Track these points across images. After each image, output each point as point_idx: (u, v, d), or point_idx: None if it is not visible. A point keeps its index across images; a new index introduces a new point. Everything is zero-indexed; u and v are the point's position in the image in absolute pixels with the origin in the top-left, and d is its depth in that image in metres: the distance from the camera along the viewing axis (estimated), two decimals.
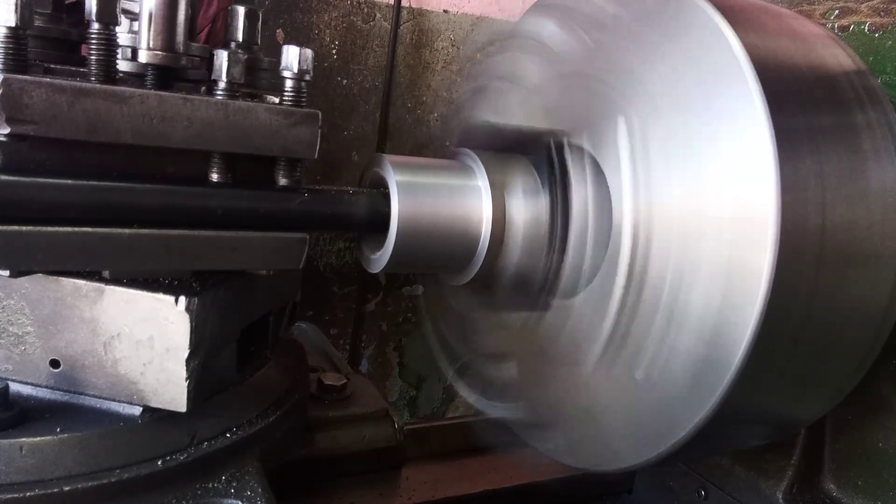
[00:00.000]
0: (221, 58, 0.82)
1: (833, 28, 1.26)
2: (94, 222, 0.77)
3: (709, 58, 0.85)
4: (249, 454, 0.95)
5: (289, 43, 0.86)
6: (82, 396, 0.86)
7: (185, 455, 0.87)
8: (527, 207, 1.01)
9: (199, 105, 0.80)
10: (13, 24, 0.71)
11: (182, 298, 0.82)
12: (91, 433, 0.82)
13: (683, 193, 0.87)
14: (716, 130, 0.84)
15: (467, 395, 1.22)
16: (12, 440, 0.78)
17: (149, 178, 0.81)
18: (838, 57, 0.99)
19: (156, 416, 0.87)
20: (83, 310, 0.83)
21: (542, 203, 1.02)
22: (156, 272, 0.85)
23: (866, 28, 1.21)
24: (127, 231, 0.79)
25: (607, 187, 0.96)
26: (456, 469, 1.46)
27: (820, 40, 1.00)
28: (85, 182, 0.77)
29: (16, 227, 0.73)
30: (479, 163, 1.02)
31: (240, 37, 0.98)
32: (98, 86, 0.75)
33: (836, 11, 1.28)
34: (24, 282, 0.82)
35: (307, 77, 0.87)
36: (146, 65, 0.86)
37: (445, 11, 2.95)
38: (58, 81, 0.73)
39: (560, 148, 1.04)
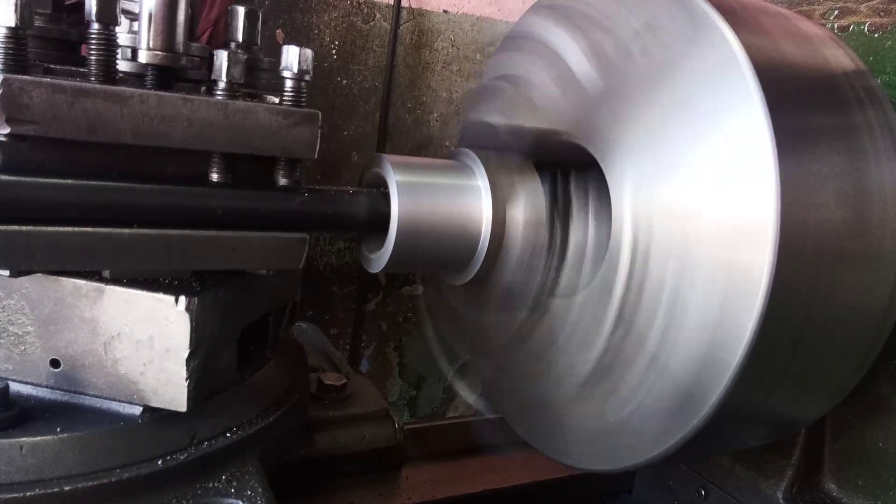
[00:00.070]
0: (221, 58, 0.82)
1: (833, 28, 1.26)
2: (94, 222, 0.77)
3: (709, 58, 0.85)
4: (249, 454, 0.95)
5: (289, 43, 0.86)
6: (82, 396, 0.86)
7: (185, 455, 0.87)
8: (527, 208, 1.01)
9: (199, 105, 0.80)
10: (13, 24, 0.71)
11: (182, 298, 0.82)
12: (91, 433, 0.82)
13: (684, 193, 0.87)
14: (716, 130, 0.84)
15: (467, 394, 1.23)
16: (12, 440, 0.78)
17: (149, 178, 0.81)
18: (838, 57, 0.99)
19: (156, 415, 0.87)
20: (83, 310, 0.83)
21: (542, 203, 1.02)
22: (156, 272, 0.85)
23: (866, 28, 1.21)
24: (127, 231, 0.79)
25: (608, 187, 0.96)
26: (456, 469, 1.46)
27: (820, 40, 1.00)
28: (85, 182, 0.77)
29: (16, 227, 0.73)
30: (479, 163, 1.02)
31: (240, 37, 0.98)
32: (98, 86, 0.75)
33: (836, 11, 1.28)
34: (24, 282, 0.82)
35: (307, 77, 0.87)
36: (146, 65, 0.86)
37: (445, 11, 2.95)
38: (58, 81, 0.73)
39: (560, 148, 1.04)
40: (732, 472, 1.34)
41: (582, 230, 1.05)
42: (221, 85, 0.83)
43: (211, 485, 0.89)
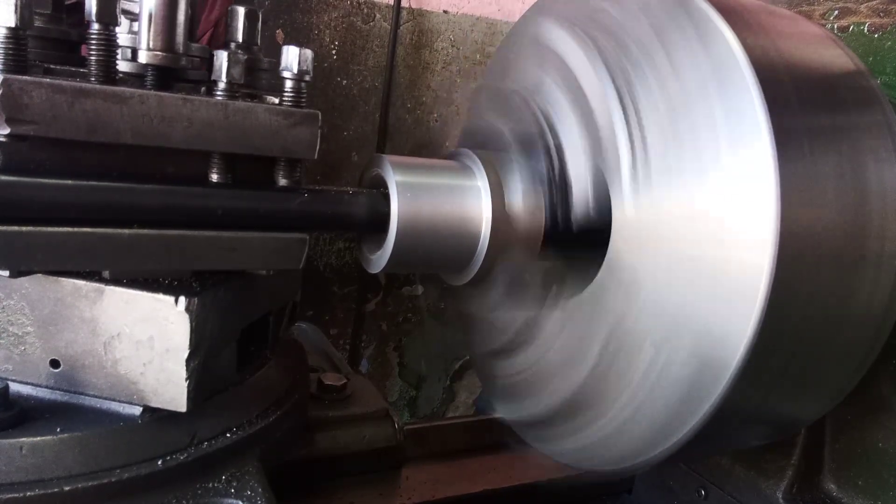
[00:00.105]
0: (221, 58, 0.82)
1: (832, 28, 1.27)
2: (94, 222, 0.77)
3: (708, 58, 0.85)
4: (249, 454, 0.95)
5: (289, 43, 0.86)
6: (82, 396, 0.86)
7: (185, 455, 0.87)
8: (527, 207, 1.01)
9: (199, 105, 0.80)
10: (13, 25, 0.71)
11: (182, 298, 0.82)
12: (91, 433, 0.82)
13: (683, 194, 0.87)
14: (715, 131, 0.84)
15: (467, 394, 1.23)
16: (12, 440, 0.78)
17: (149, 179, 0.81)
18: (838, 57, 0.99)
19: (156, 416, 0.87)
20: (83, 310, 0.83)
21: (542, 203, 1.02)
22: (156, 272, 0.85)
23: (866, 28, 1.21)
24: (127, 231, 0.79)
25: (607, 187, 0.96)
26: (456, 469, 1.46)
27: (819, 41, 1.00)
28: (85, 182, 0.77)
29: (16, 227, 0.73)
30: (479, 163, 1.02)
31: (240, 37, 0.98)
32: (98, 86, 0.76)
33: (836, 12, 1.28)
34: (24, 282, 0.82)
35: (307, 77, 0.87)
36: (146, 65, 0.86)
37: (445, 12, 2.95)
38: (58, 82, 0.73)
39: (560, 148, 1.04)
40: (732, 472, 1.34)
41: (582, 229, 1.04)
42: (221, 85, 0.83)
43: (211, 485, 0.89)
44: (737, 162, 0.82)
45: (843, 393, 1.03)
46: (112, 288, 0.82)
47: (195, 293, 0.83)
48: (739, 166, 0.81)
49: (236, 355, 0.98)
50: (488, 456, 1.50)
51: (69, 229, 0.76)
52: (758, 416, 0.96)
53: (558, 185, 1.02)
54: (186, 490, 0.87)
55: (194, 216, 0.83)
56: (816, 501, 1.25)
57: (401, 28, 2.84)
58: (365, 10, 2.78)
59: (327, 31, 2.74)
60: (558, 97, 1.06)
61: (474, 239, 1.00)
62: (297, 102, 0.87)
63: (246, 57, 0.86)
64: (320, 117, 0.87)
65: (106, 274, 0.84)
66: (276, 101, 0.89)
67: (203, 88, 0.97)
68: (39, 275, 0.81)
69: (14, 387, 0.84)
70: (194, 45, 0.93)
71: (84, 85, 0.74)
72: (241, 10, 0.98)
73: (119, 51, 0.85)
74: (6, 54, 0.72)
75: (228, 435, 0.93)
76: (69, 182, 0.76)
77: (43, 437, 0.80)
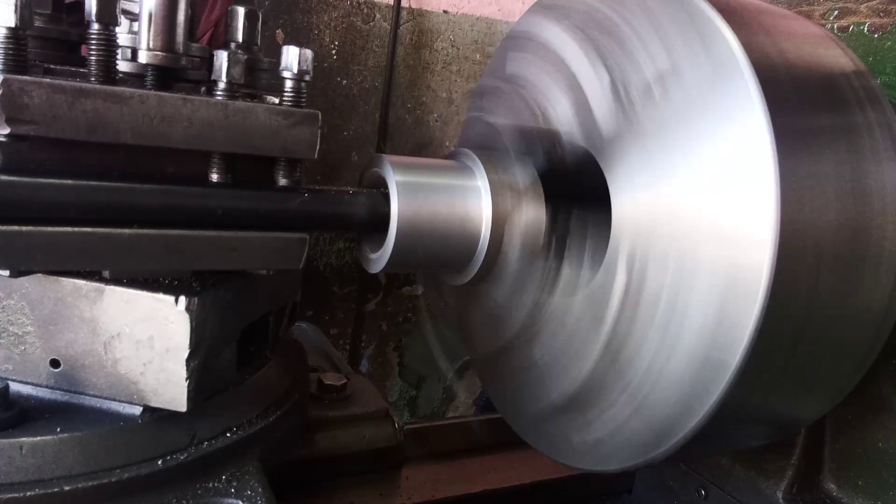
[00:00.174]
0: (221, 58, 0.82)
1: (832, 28, 1.27)
2: (94, 222, 0.77)
3: (708, 58, 0.85)
4: (249, 454, 0.95)
5: (289, 43, 0.86)
6: (82, 396, 0.86)
7: (185, 455, 0.87)
8: (526, 208, 1.01)
9: (199, 105, 0.80)
10: (13, 25, 0.71)
11: (182, 298, 0.82)
12: (91, 433, 0.82)
13: (683, 193, 0.87)
14: (715, 131, 0.84)
15: (466, 394, 1.23)
16: (12, 440, 0.78)
17: (149, 178, 0.81)
18: (838, 57, 0.99)
19: (156, 415, 0.87)
20: (83, 310, 0.83)
21: (543, 203, 1.02)
22: (156, 272, 0.85)
23: (866, 28, 1.21)
24: (127, 231, 0.79)
25: (607, 186, 0.96)
26: (456, 469, 1.46)
27: (819, 41, 1.00)
28: (85, 182, 0.77)
29: (16, 227, 0.73)
30: (479, 163, 1.02)
31: (240, 37, 0.98)
32: (98, 86, 0.76)
33: (836, 12, 1.28)
34: (24, 282, 0.82)
35: (307, 77, 0.87)
36: (146, 65, 0.87)
37: (445, 12, 2.95)
38: (58, 81, 0.73)
39: (560, 148, 1.04)
40: (732, 472, 1.34)
41: (582, 229, 1.05)
42: (221, 85, 0.83)
43: (211, 485, 0.89)
44: (737, 162, 0.82)
45: (843, 393, 1.03)
46: (112, 288, 0.82)
47: (195, 293, 0.83)
48: (739, 166, 0.81)
49: (236, 355, 0.98)
50: (488, 456, 1.50)
51: (69, 229, 0.76)
52: (758, 416, 0.96)
53: (558, 185, 1.02)
54: (186, 490, 0.87)
55: (194, 216, 0.83)
56: (816, 501, 1.25)
57: (401, 28, 2.85)
58: (365, 10, 2.78)
59: (327, 31, 2.74)
60: (558, 97, 1.06)
61: (474, 239, 1.00)
62: (297, 102, 0.87)
63: (246, 57, 0.86)
64: (320, 117, 0.87)
65: (106, 274, 0.84)
66: (276, 101, 0.89)
67: (203, 88, 0.97)
68: (39, 275, 0.81)
69: (14, 387, 0.84)
70: (194, 45, 0.93)
71: (84, 85, 0.74)
72: (241, 10, 0.98)
73: (119, 51, 0.85)
74: (6, 54, 0.72)
75: (228, 435, 0.93)
76: (69, 182, 0.76)
77: (43, 437, 0.80)
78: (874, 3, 1.24)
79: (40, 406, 0.85)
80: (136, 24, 0.93)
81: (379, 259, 0.99)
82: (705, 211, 0.84)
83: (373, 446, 1.27)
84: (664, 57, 0.90)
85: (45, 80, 0.72)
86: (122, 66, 0.92)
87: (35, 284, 0.83)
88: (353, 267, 2.97)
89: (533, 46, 1.13)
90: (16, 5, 0.71)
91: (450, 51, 2.98)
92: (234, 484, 0.89)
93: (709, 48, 0.85)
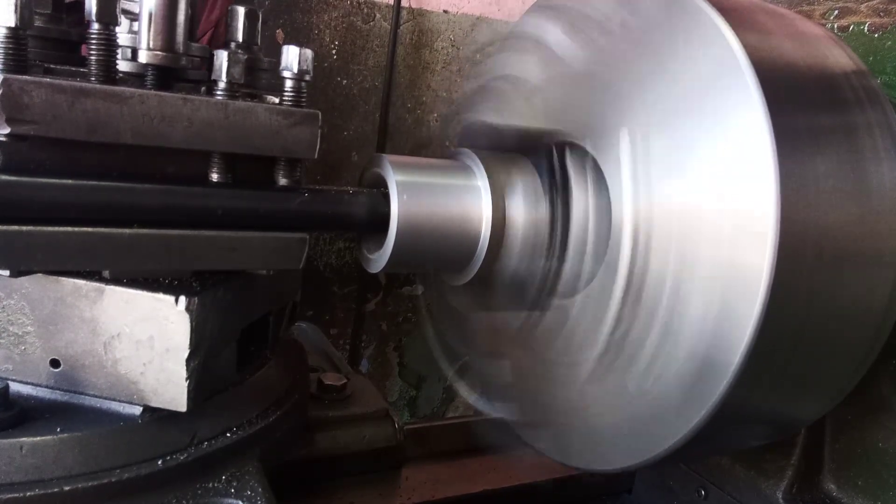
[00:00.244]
0: (221, 58, 0.82)
1: (833, 28, 1.26)
2: (94, 222, 0.77)
3: (709, 58, 0.85)
4: (249, 454, 0.95)
5: (289, 43, 0.86)
6: (82, 396, 0.86)
7: (185, 455, 0.87)
8: (527, 208, 1.01)
9: (199, 105, 0.80)
10: (13, 24, 0.71)
11: (182, 298, 0.82)
12: (91, 433, 0.82)
13: (683, 194, 0.87)
14: (716, 130, 0.84)
15: (467, 394, 1.23)
16: (12, 440, 0.78)
17: (149, 178, 0.81)
18: (838, 57, 0.99)
19: (156, 415, 0.87)
20: (83, 310, 0.83)
21: (542, 203, 1.02)
22: (156, 272, 0.85)
23: (866, 28, 1.21)
24: (127, 231, 0.79)
25: (607, 187, 0.96)
26: (456, 469, 1.46)
27: (820, 40, 1.00)
28: (85, 182, 0.77)
29: (16, 227, 0.73)
30: (479, 163, 1.02)
31: (240, 37, 0.98)
32: (98, 86, 0.75)
33: (836, 12, 1.28)
34: (24, 282, 0.82)
35: (307, 77, 0.87)
36: (146, 65, 0.86)
37: (445, 11, 2.95)
38: (58, 81, 0.73)
39: (560, 148, 1.04)
40: (732, 472, 1.34)
41: (582, 229, 1.05)
42: (221, 85, 0.83)
43: (211, 485, 0.89)
44: (737, 162, 0.82)
45: (843, 393, 1.03)
46: (112, 288, 0.82)
47: (195, 293, 0.83)
48: (739, 166, 0.81)
49: (236, 355, 0.98)
50: (488, 456, 1.50)
51: (69, 229, 0.75)
52: (758, 416, 0.96)
53: (559, 185, 1.02)
54: (186, 490, 0.87)
55: (194, 216, 0.83)
56: (816, 501, 1.25)
57: (401, 28, 2.85)
58: (365, 10, 2.78)
59: (327, 31, 2.74)
60: (558, 97, 1.06)
61: (474, 239, 1.00)
62: (297, 102, 0.87)
63: (246, 57, 0.86)
64: (320, 117, 0.87)
65: (106, 274, 0.84)
66: (277, 100, 0.89)
67: (203, 88, 0.97)
68: (39, 274, 0.81)
69: (14, 387, 0.84)
70: (194, 45, 0.93)
71: (84, 85, 0.74)
72: (241, 10, 0.98)
73: (119, 51, 0.85)
74: (6, 54, 0.72)
75: (228, 435, 0.93)
76: (69, 182, 0.76)
77: (43, 437, 0.80)
78: (874, 2, 1.24)
79: (40, 406, 0.85)
80: (136, 24, 0.93)
81: (379, 259, 0.99)
82: (705, 211, 0.84)
83: (373, 446, 1.27)
84: (665, 57, 0.90)
85: (45, 79, 0.72)
86: (123, 65, 0.92)
87: (35, 284, 0.83)
88: (353, 267, 2.97)
89: (533, 46, 1.13)
90: (16, 5, 0.71)
91: (450, 51, 2.98)
92: (234, 484, 0.89)
93: (709, 48, 0.85)
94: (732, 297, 0.81)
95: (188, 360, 0.83)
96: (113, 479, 0.81)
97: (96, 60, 0.79)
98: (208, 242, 0.83)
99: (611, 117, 0.96)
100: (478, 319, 1.23)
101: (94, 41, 0.79)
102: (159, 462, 0.85)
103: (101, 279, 0.83)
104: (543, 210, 1.02)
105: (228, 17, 0.99)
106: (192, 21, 0.92)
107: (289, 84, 0.87)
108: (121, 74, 0.89)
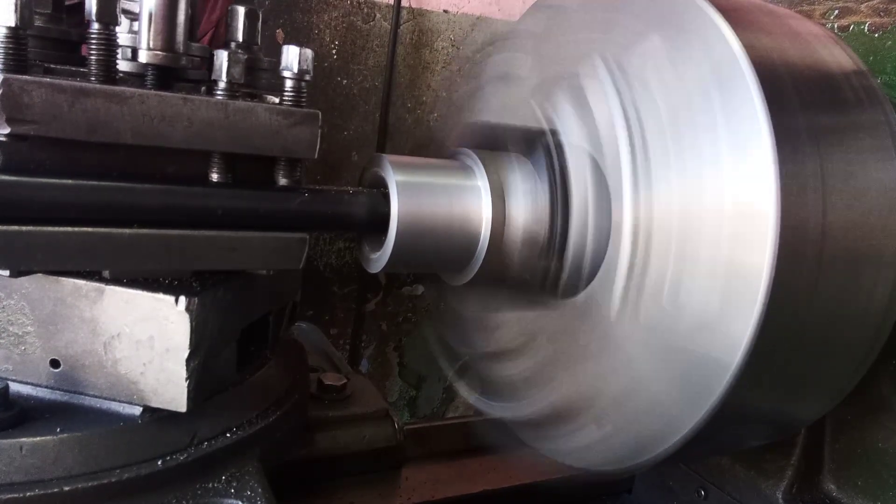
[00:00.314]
0: (221, 58, 0.82)
1: (833, 28, 1.26)
2: (94, 222, 0.77)
3: (709, 58, 0.85)
4: (249, 454, 0.95)
5: (289, 43, 0.86)
6: (82, 396, 0.86)
7: (185, 455, 0.87)
8: (527, 207, 1.01)
9: (199, 105, 0.80)
10: (13, 24, 0.71)
11: (182, 298, 0.82)
12: (91, 433, 0.82)
13: (683, 193, 0.87)
14: (716, 131, 0.84)
15: (467, 394, 1.22)
16: (12, 440, 0.78)
17: (149, 178, 0.81)
18: (838, 57, 0.99)
19: (156, 416, 0.87)
20: (83, 310, 0.83)
21: (543, 203, 1.02)
22: (156, 272, 0.85)
23: (866, 28, 1.21)
24: (127, 231, 0.79)
25: (607, 187, 0.96)
26: (456, 469, 1.46)
27: (820, 40, 1.00)
28: (85, 182, 0.77)
29: (16, 227, 0.73)
30: (479, 163, 1.02)
31: (240, 37, 0.98)
32: (98, 86, 0.75)
33: (836, 11, 1.28)
34: (24, 282, 0.82)
35: (307, 77, 0.87)
36: (146, 65, 0.86)
37: (445, 11, 2.95)
38: (58, 81, 0.73)
39: (560, 148, 1.04)
40: (732, 472, 1.34)
41: (582, 229, 1.05)
42: (221, 85, 0.83)
43: (211, 485, 0.89)
44: (737, 162, 0.82)
45: (843, 393, 1.03)
46: (112, 288, 0.82)
47: (195, 293, 0.83)
48: (739, 166, 0.81)
49: (236, 355, 0.98)
50: (488, 456, 1.50)
51: (69, 229, 0.75)
52: (758, 416, 0.96)
53: (559, 185, 1.02)
54: (186, 490, 0.87)
55: (194, 216, 0.83)
56: (816, 501, 1.25)
57: (401, 28, 2.85)
58: (365, 10, 2.78)
59: (327, 31, 2.74)
60: (558, 97, 1.06)
61: (474, 239, 1.00)
62: (297, 102, 0.87)
63: (246, 56, 0.86)
64: (320, 117, 0.87)
65: (106, 274, 0.83)
66: (277, 100, 0.89)
67: (203, 88, 0.97)
68: (39, 274, 0.81)
69: (14, 387, 0.84)
70: (194, 45, 0.93)
71: (84, 85, 0.74)
72: (241, 10, 0.98)
73: (119, 50, 0.85)
74: (6, 54, 0.72)
75: (228, 435, 0.93)
76: (69, 182, 0.76)
77: (43, 437, 0.80)
78: (874, 2, 1.24)
79: (40, 406, 0.85)
80: (136, 24, 0.93)
81: (379, 259, 0.99)
82: (705, 211, 0.84)
83: (373, 446, 1.27)
84: (665, 57, 0.90)
85: (45, 79, 0.72)
86: (123, 65, 0.92)
87: (35, 284, 0.83)
88: (353, 267, 2.97)
89: (532, 46, 1.13)
90: (16, 5, 0.71)
91: (450, 50, 2.98)
92: (234, 484, 0.89)
93: (709, 48, 0.85)
94: (733, 297, 0.81)
95: (188, 361, 0.83)
96: (113, 480, 0.81)
97: (96, 60, 0.79)
98: (208, 242, 0.83)
99: (610, 117, 0.96)
100: (478, 319, 1.23)
101: (94, 41, 0.79)
102: (159, 462, 0.85)
103: (101, 279, 0.83)
104: (543, 209, 1.02)
105: (228, 17, 0.99)
106: (192, 21, 0.92)
107: (289, 84, 0.87)
108: (121, 74, 0.89)
